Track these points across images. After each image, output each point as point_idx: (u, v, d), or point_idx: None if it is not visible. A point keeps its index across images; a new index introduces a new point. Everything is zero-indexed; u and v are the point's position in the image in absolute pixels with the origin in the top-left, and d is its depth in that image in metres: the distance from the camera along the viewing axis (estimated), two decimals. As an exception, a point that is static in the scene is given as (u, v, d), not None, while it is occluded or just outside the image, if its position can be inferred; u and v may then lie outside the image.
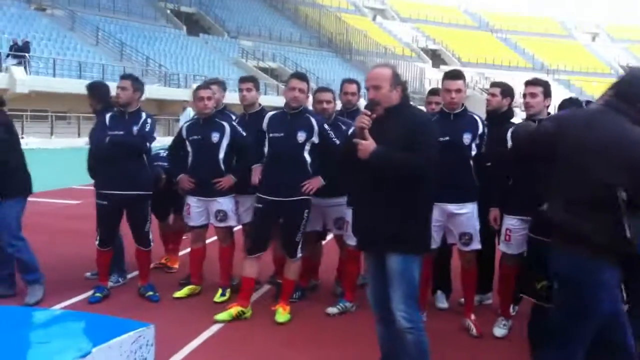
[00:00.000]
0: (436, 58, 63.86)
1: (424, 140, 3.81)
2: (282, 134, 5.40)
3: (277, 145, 5.41)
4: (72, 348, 3.17)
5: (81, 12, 38.80)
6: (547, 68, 64.84)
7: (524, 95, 5.00)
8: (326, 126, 5.44)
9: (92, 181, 6.37)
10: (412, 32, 67.36)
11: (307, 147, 5.38)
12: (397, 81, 3.91)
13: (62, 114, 28.09)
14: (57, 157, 20.54)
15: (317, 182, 5.38)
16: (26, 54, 28.17)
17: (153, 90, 31.64)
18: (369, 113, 3.81)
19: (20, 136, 21.66)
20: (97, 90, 6.48)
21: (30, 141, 22.81)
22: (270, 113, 5.68)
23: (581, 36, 78.13)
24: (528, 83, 5.04)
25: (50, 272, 6.59)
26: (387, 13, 72.50)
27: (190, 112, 22.22)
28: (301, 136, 5.36)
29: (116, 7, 42.56)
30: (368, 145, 3.77)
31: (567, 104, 5.89)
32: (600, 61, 70.77)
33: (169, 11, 48.15)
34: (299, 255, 5.51)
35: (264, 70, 44.84)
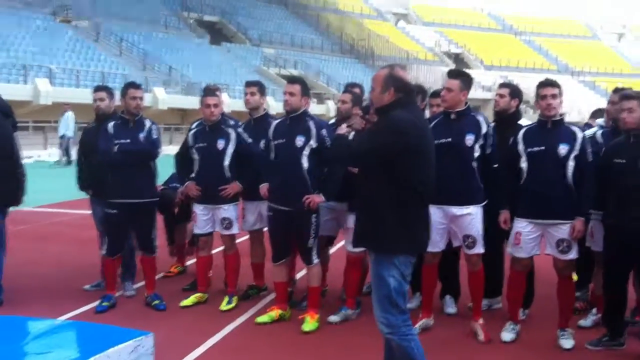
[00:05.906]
0: (459, 62, 63.35)
1: (375, 131, 3.76)
2: (283, 140, 5.41)
3: (280, 152, 5.44)
4: (69, 358, 3.17)
5: (106, 23, 39.23)
6: (571, 70, 64.03)
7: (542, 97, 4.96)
8: (324, 131, 5.36)
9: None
10: (434, 36, 66.94)
11: (306, 151, 5.35)
12: (391, 83, 3.75)
13: (84, 123, 28.34)
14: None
15: (318, 198, 5.32)
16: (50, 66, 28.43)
17: (175, 100, 31.83)
18: (362, 114, 3.79)
19: (44, 147, 21.57)
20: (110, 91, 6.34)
21: (53, 152, 23.09)
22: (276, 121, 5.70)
23: (606, 37, 77.02)
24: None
25: (61, 282, 6.65)
26: (410, 18, 72.23)
27: (69, 116, 20.97)
28: (300, 141, 5.34)
29: (140, 17, 42.98)
30: (341, 129, 3.82)
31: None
32: (627, 62, 69.68)
33: (192, 20, 48.48)
34: (315, 260, 5.48)
35: (286, 77, 44.98)
